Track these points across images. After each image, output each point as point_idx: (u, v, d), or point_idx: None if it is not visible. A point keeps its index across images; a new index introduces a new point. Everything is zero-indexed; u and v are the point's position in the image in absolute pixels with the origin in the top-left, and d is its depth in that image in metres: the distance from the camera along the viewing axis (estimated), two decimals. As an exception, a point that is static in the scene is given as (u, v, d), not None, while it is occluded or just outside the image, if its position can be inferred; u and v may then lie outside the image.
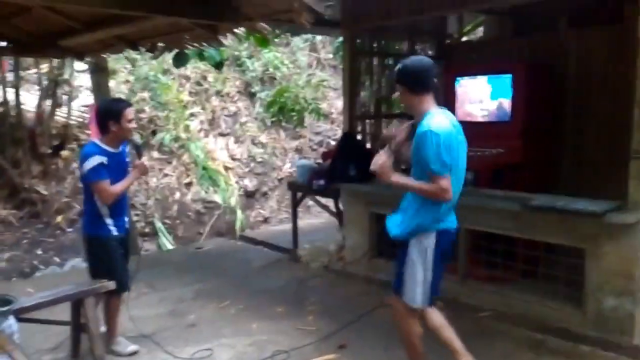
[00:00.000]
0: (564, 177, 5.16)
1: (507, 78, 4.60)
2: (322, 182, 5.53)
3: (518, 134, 4.51)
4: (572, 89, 5.08)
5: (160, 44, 4.93)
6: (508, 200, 3.97)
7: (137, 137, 3.80)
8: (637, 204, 3.40)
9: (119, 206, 3.64)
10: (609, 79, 4.81)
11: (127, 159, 3.74)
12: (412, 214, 2.80)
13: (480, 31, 7.25)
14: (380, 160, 2.76)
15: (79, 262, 6.38)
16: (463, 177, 2.85)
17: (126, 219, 3.77)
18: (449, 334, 2.86)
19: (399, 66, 2.82)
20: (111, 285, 3.50)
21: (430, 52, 6.27)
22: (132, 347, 3.72)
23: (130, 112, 3.57)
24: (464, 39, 6.90)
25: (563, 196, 3.98)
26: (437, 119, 2.66)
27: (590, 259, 3.63)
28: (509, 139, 4.50)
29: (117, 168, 3.56)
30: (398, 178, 2.79)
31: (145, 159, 3.77)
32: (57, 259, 6.42)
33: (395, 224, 2.90)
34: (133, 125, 3.63)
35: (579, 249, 3.70)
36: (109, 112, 3.55)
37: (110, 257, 3.61)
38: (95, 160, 3.44)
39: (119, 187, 3.53)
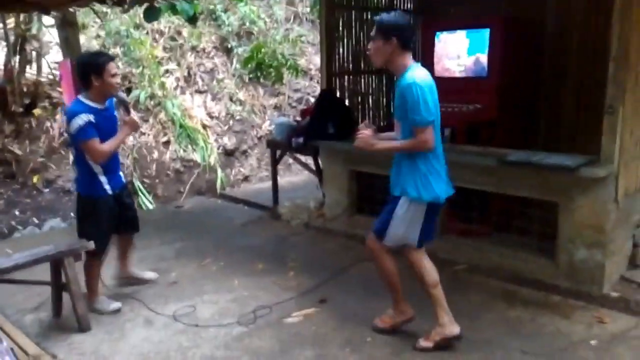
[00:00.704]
0: (541, 133, 5.24)
1: (484, 32, 4.58)
2: (301, 140, 5.52)
3: (494, 89, 4.53)
4: (551, 44, 5.09)
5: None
6: (484, 156, 4.03)
7: (122, 93, 3.73)
8: (609, 158, 3.48)
9: (112, 162, 3.62)
10: (588, 34, 4.82)
11: (115, 114, 3.64)
12: (403, 176, 2.97)
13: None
14: (361, 134, 3.00)
15: (57, 223, 6.33)
16: (439, 132, 2.98)
17: (121, 174, 3.78)
18: (439, 293, 3.05)
19: (387, 19, 2.89)
20: (90, 245, 3.50)
21: (410, 6, 6.19)
22: (114, 305, 3.76)
23: (112, 66, 3.48)
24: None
25: (539, 152, 4.05)
26: (419, 72, 2.84)
27: (563, 213, 3.73)
28: (486, 94, 4.52)
29: (105, 125, 3.49)
30: (381, 145, 3.01)
31: (134, 114, 3.69)
32: (35, 220, 6.35)
33: (391, 177, 3.08)
34: (117, 80, 3.54)
35: (553, 202, 3.80)
36: (90, 66, 3.45)
37: (98, 218, 3.61)
38: (81, 119, 3.36)
39: (110, 145, 3.48)
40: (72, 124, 3.38)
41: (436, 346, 3.05)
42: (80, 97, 3.51)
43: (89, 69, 3.44)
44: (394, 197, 3.03)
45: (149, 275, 4.17)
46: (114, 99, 3.67)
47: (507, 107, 4.60)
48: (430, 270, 3.07)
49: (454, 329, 3.03)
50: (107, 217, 3.64)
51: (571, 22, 4.92)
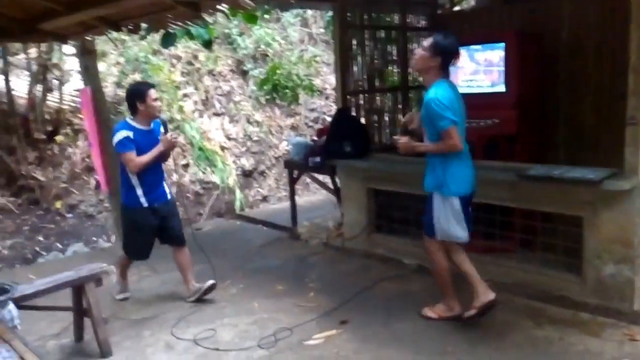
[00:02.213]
0: (560, 146, 5.16)
1: (500, 47, 4.54)
2: (318, 159, 5.51)
3: (512, 104, 4.47)
4: (567, 56, 5.03)
5: (143, 24, 4.83)
6: (504, 171, 3.97)
7: (163, 115, 4.38)
8: (633, 170, 3.40)
9: (151, 178, 4.05)
10: (604, 45, 4.76)
11: (159, 137, 4.06)
12: (436, 177, 3.35)
13: (472, 0, 7.15)
14: (402, 141, 3.39)
15: (80, 247, 6.40)
16: (465, 139, 3.36)
17: (165, 190, 4.19)
18: (470, 269, 3.45)
19: (441, 40, 3.27)
20: (110, 270, 3.56)
21: (422, 23, 6.20)
22: (122, 295, 4.35)
23: (153, 92, 3.99)
24: (456, 8, 6.79)
25: (559, 165, 3.98)
26: (439, 89, 3.23)
27: (588, 227, 3.64)
28: (503, 109, 4.46)
29: (147, 143, 3.97)
30: (421, 147, 3.38)
31: (171, 134, 4.09)
32: (58, 245, 6.43)
33: (425, 176, 3.47)
34: (158, 104, 4.06)
35: (577, 217, 3.71)
36: (134, 94, 4.00)
37: (128, 224, 4.17)
38: (121, 134, 3.90)
39: (144, 158, 3.94)
40: (114, 139, 3.93)
41: (479, 312, 3.40)
42: (127, 119, 4.08)
43: (133, 97, 3.98)
44: (430, 195, 3.41)
45: (208, 283, 4.25)
46: (160, 124, 4.12)
47: (526, 120, 4.54)
48: (459, 250, 3.47)
49: (489, 295, 3.39)
50: (138, 227, 4.09)
51: (587, 32, 4.86)
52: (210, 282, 4.23)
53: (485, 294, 3.39)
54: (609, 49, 4.68)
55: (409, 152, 3.42)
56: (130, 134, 3.91)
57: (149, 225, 4.09)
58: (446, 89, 3.26)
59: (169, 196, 4.21)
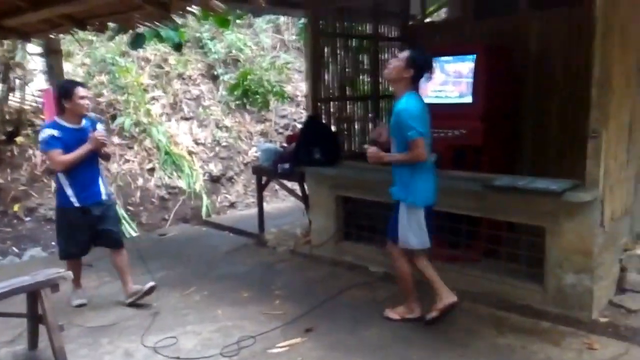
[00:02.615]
0: (527, 158, 5.25)
1: (469, 59, 4.60)
2: (287, 166, 5.48)
3: (480, 115, 4.54)
4: (534, 69, 5.14)
5: (110, 24, 4.73)
6: (470, 181, 4.01)
7: (93, 114, 4.34)
8: (594, 182, 3.48)
9: (83, 177, 3.99)
10: (570, 60, 4.88)
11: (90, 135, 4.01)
12: (403, 187, 3.49)
13: (443, 12, 7.26)
14: (371, 151, 3.54)
15: (38, 252, 6.19)
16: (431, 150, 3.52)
17: (101, 189, 4.09)
18: (433, 274, 3.60)
19: (418, 55, 3.45)
20: (68, 275, 3.43)
21: (394, 34, 6.26)
22: (79, 301, 4.24)
23: (80, 90, 3.96)
24: (427, 20, 6.89)
25: (524, 176, 4.04)
26: (410, 100, 3.40)
27: (550, 237, 3.71)
28: (471, 120, 4.52)
29: (76, 142, 3.93)
30: (389, 157, 3.53)
31: (99, 133, 4.01)
32: (15, 249, 6.21)
33: (392, 186, 3.61)
34: (86, 102, 4.01)
35: (540, 227, 3.77)
36: (61, 92, 3.97)
37: (61, 225, 4.10)
38: (45, 133, 3.88)
39: (69, 156, 3.89)
40: (39, 138, 3.90)
41: (441, 314, 3.55)
42: (56, 118, 4.03)
43: (60, 96, 3.96)
44: (396, 203, 3.55)
45: (149, 284, 4.15)
46: (96, 123, 4.13)
47: (493, 132, 4.61)
48: (422, 257, 3.61)
49: (452, 297, 3.55)
50: (69, 227, 4.03)
51: (554, 47, 4.99)
52: (151, 283, 4.15)
53: (448, 297, 3.55)
54: (575, 64, 4.81)
55: (377, 162, 3.55)
56: (56, 132, 3.88)
57: (81, 225, 4.02)
58: (417, 101, 3.44)
59: (104, 196, 4.11)
